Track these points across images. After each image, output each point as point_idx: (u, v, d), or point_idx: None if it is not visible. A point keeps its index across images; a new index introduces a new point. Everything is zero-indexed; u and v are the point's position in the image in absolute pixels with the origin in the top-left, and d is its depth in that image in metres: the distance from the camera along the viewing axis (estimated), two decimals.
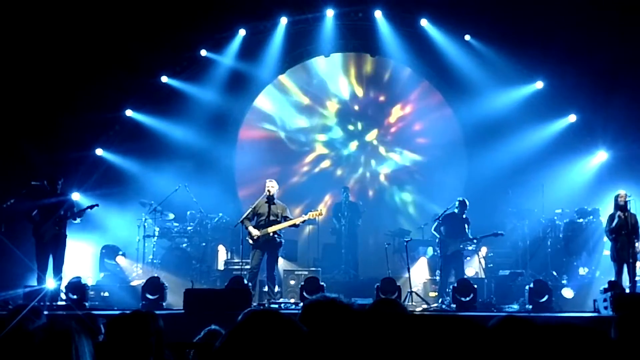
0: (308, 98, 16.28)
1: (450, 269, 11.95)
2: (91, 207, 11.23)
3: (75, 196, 12.80)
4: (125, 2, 13.46)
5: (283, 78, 16.09)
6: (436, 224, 12.28)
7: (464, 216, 12.18)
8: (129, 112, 14.80)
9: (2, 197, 10.96)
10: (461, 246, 12.01)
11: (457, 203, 12.21)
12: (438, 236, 12.18)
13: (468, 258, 13.07)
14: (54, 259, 10.71)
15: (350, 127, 16.35)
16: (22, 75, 13.25)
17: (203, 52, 15.17)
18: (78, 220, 11.03)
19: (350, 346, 1.61)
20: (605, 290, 9.83)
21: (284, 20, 15.02)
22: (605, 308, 9.52)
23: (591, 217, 12.94)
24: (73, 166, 13.67)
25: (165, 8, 13.67)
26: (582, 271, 12.73)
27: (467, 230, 12.11)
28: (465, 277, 12.02)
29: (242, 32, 15.08)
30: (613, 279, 10.61)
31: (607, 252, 11.73)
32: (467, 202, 12.20)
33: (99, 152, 14.57)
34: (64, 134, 13.50)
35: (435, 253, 12.57)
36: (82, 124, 13.44)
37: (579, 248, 12.90)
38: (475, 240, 12.09)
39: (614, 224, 10.87)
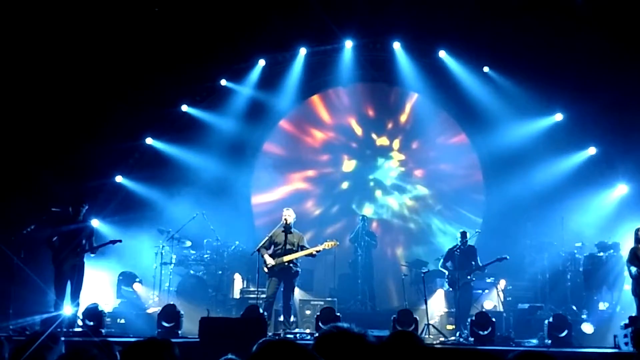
0: (321, 129, 16.32)
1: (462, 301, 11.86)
2: (113, 242, 11.25)
3: (95, 223, 12.88)
4: (146, 32, 13.66)
5: (297, 110, 16.18)
6: (442, 260, 12.27)
7: (469, 247, 12.11)
8: (149, 140, 14.97)
9: (23, 223, 11.05)
10: (469, 277, 11.89)
11: (458, 235, 12.17)
12: (446, 272, 12.13)
13: (486, 291, 12.94)
14: (72, 285, 10.75)
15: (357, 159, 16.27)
16: (44, 102, 13.45)
17: (223, 82, 15.36)
18: (95, 253, 11.07)
19: None
20: (626, 326, 9.66)
21: (303, 51, 15.18)
22: (626, 344, 9.36)
23: (611, 250, 12.77)
24: (93, 193, 13.80)
25: (186, 38, 13.88)
26: (602, 306, 12.52)
27: (475, 260, 12.00)
28: (484, 310, 11.92)
29: (261, 63, 15.25)
30: (634, 314, 10.43)
31: (627, 287, 11.55)
32: (468, 233, 12.17)
33: (119, 179, 14.71)
34: (85, 161, 13.64)
35: (447, 289, 12.48)
36: (103, 151, 13.59)
37: (599, 282, 12.70)
38: (480, 270, 11.96)
39: (634, 256, 10.73)
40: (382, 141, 16.22)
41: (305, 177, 16.22)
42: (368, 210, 15.73)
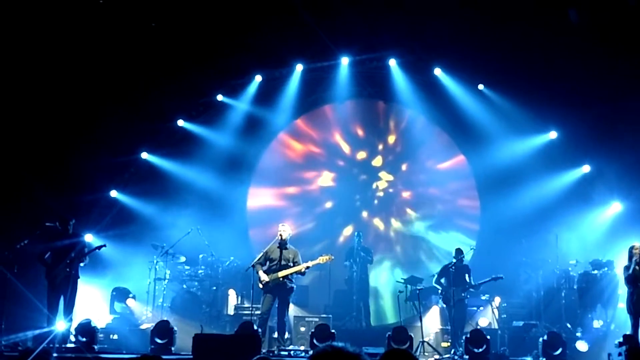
0: (313, 146, 16.30)
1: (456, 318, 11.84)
2: (99, 247, 11.18)
3: (88, 237, 12.83)
4: (142, 47, 13.71)
5: (292, 126, 16.19)
6: (436, 276, 12.27)
7: (463, 264, 12.12)
8: (144, 155, 14.97)
9: (17, 237, 10.99)
10: (463, 294, 11.88)
11: (454, 252, 12.19)
12: (440, 288, 12.12)
13: (481, 308, 12.92)
14: (65, 300, 10.66)
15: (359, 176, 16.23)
16: (39, 116, 13.45)
17: (219, 97, 15.40)
18: (86, 261, 10.97)
19: None
20: (620, 344, 9.66)
21: (299, 67, 15.24)
22: None
23: (605, 268, 12.78)
24: (88, 207, 13.76)
25: (182, 53, 13.93)
26: (597, 324, 12.52)
27: (468, 278, 12.01)
28: (478, 327, 11.89)
29: (258, 78, 15.32)
30: (629, 332, 10.41)
31: (622, 305, 11.55)
32: (463, 250, 12.18)
33: (114, 193, 14.68)
34: (80, 175, 13.62)
35: (441, 306, 12.47)
36: (98, 165, 13.59)
37: (594, 300, 12.70)
38: (474, 288, 11.96)
39: (628, 274, 10.73)
40: (373, 161, 16.17)
41: (290, 194, 16.14)
42: (349, 230, 15.59)
